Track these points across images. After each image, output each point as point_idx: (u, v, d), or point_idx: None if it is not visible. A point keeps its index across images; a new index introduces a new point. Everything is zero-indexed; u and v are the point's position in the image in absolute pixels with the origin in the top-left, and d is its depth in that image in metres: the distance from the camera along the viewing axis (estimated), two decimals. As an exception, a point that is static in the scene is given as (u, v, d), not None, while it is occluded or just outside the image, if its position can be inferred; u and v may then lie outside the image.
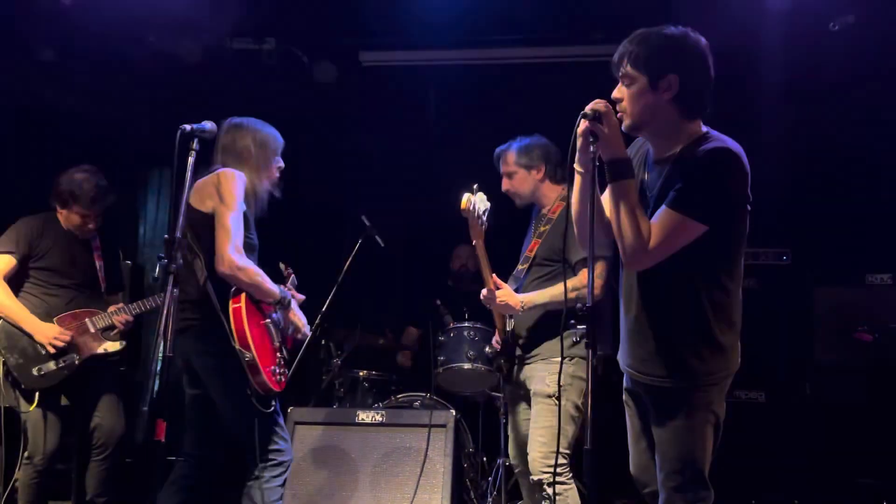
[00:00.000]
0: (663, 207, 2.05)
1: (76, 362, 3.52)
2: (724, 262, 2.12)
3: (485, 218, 2.93)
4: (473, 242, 3.00)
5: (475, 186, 2.92)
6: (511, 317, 3.16)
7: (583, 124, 2.04)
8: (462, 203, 2.88)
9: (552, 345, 3.02)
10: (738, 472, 4.31)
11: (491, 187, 5.20)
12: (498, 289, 3.06)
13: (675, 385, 2.11)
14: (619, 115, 2.11)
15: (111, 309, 3.69)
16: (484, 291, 3.10)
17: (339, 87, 5.63)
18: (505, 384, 3.35)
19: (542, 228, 3.20)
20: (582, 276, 2.95)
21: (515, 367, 3.19)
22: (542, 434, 2.96)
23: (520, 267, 3.24)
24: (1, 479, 3.60)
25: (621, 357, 2.30)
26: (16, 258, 3.53)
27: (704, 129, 2.14)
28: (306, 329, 3.10)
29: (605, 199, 2.19)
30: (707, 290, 2.10)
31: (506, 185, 3.31)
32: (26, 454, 3.50)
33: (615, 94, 2.13)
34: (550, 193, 3.26)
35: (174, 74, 5.25)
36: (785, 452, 4.35)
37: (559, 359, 2.90)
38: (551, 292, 3.00)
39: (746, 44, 5.14)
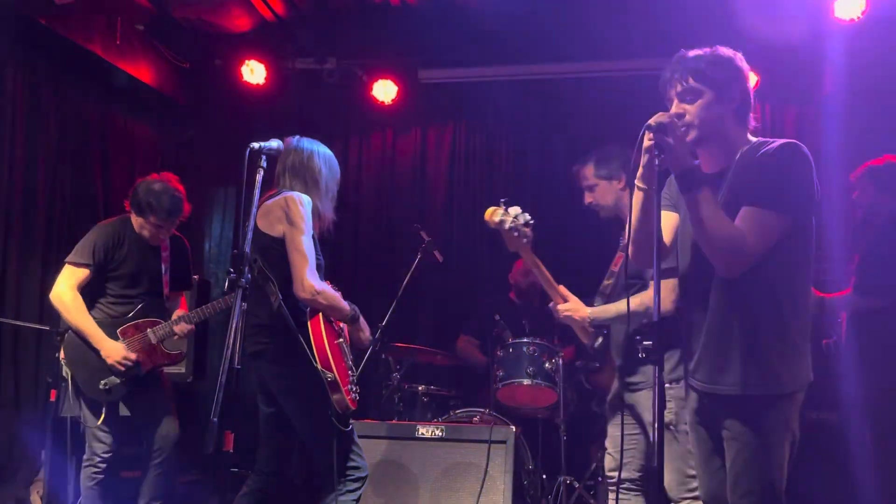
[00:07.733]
0: (745, 208, 2.04)
1: (139, 376, 3.59)
2: (801, 263, 2.13)
3: (527, 230, 2.81)
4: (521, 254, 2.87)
5: (503, 201, 2.85)
6: (605, 332, 3.02)
7: (647, 138, 2.01)
8: (486, 215, 2.79)
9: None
10: (811, 495, 4.15)
11: (551, 199, 5.24)
12: (565, 301, 2.97)
13: (760, 392, 2.07)
14: (682, 129, 2.10)
15: (174, 316, 3.74)
16: (552, 305, 3.01)
17: (398, 103, 5.70)
18: (604, 403, 3.21)
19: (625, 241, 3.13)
20: (651, 291, 2.87)
21: (622, 391, 3.03)
22: (671, 460, 2.80)
23: (606, 282, 3.13)
24: (70, 484, 3.71)
25: (696, 374, 2.23)
26: (91, 270, 3.60)
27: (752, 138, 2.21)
28: (370, 341, 3.14)
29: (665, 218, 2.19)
30: (788, 293, 2.09)
31: (588, 198, 3.22)
32: (85, 457, 3.60)
33: (675, 109, 2.14)
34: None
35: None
36: (859, 475, 4.17)
37: (667, 385, 2.75)
38: (618, 307, 2.91)
39: (820, 53, 5.03)
